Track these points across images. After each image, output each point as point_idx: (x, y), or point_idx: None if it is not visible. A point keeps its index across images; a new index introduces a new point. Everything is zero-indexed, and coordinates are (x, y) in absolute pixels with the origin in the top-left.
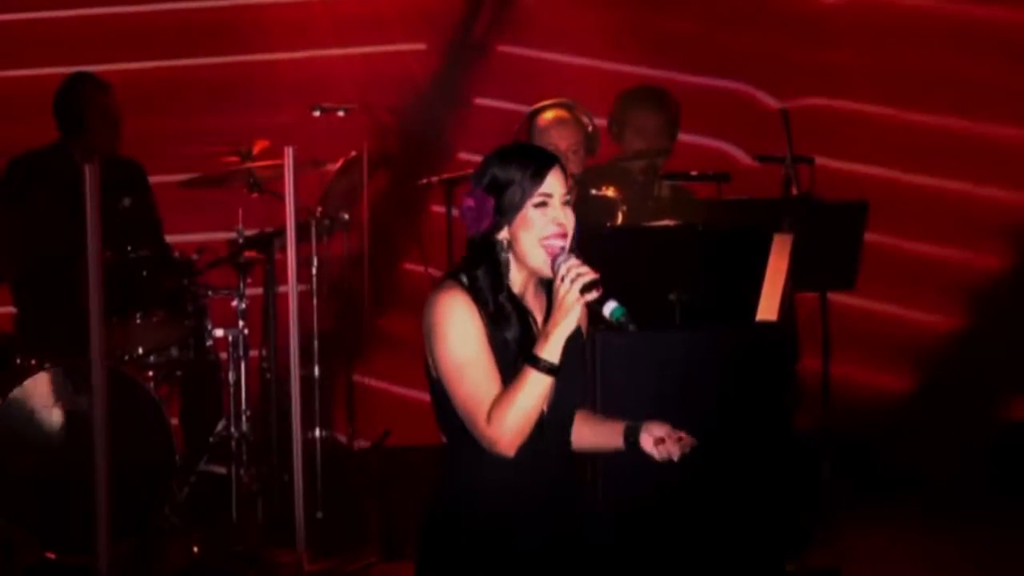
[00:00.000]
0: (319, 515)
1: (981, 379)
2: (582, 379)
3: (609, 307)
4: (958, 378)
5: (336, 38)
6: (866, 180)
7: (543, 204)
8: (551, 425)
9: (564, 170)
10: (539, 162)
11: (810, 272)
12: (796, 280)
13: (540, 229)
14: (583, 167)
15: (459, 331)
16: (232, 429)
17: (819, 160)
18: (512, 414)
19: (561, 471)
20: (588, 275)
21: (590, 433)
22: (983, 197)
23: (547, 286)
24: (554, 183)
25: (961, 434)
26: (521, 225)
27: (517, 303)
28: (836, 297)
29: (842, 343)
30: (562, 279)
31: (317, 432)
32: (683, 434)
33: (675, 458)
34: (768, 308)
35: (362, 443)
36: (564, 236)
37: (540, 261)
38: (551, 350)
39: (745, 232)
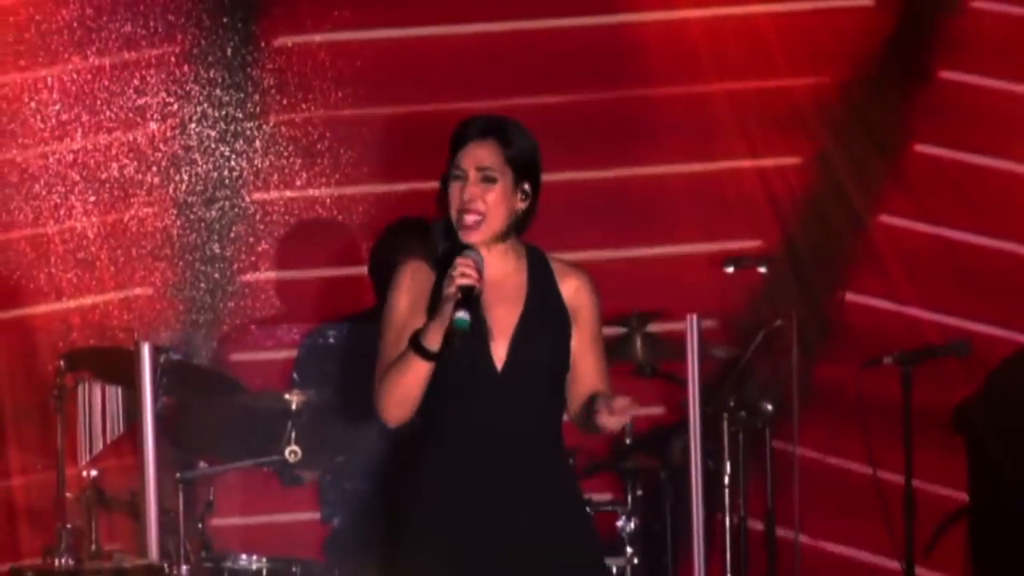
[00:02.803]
0: None
1: None
2: (554, 349)
3: (458, 314)
4: None
5: (719, 72)
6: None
7: (456, 178)
8: (507, 384)
9: (495, 146)
10: (457, 136)
11: None
12: None
13: (453, 206)
14: None
15: (393, 296)
16: None
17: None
18: (385, 384)
19: (525, 443)
20: (468, 279)
21: (581, 414)
22: None
23: (531, 255)
24: (465, 157)
25: None
26: (448, 200)
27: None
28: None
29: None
30: (449, 273)
31: None
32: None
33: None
34: None
35: None
36: (476, 214)
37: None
38: (428, 336)
39: None
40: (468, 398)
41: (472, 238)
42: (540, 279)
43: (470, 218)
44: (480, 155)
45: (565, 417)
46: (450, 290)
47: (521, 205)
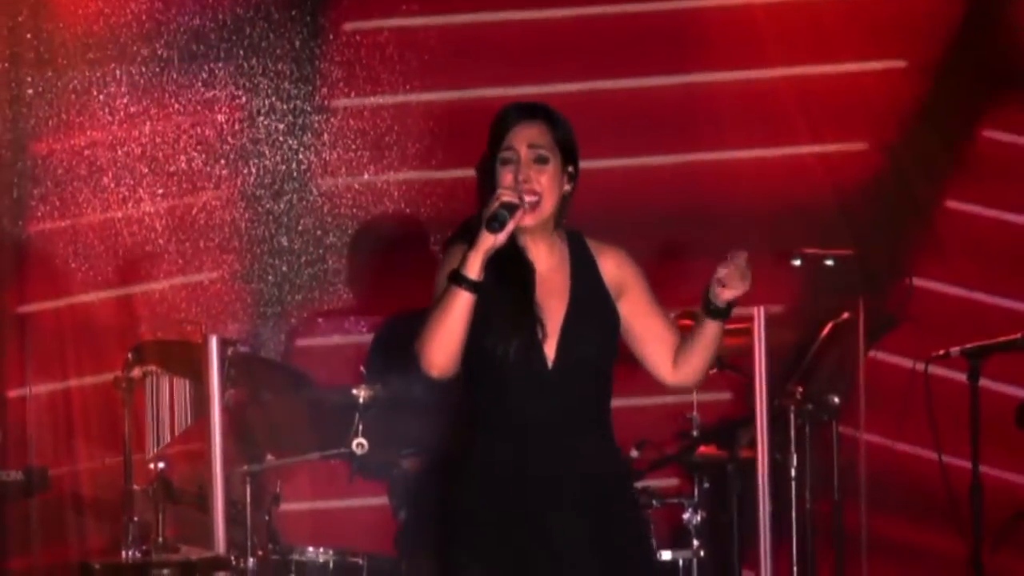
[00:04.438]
0: None
1: None
2: (601, 338)
3: (500, 210)
4: None
5: (783, 55)
6: None
7: (507, 161)
8: (557, 380)
9: (544, 126)
10: (501, 121)
11: None
12: None
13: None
14: None
15: (441, 274)
16: None
17: None
18: (428, 325)
19: (576, 432)
20: (510, 197)
21: (690, 350)
22: None
23: (573, 242)
24: (516, 137)
25: None
26: (498, 181)
27: (511, 249)
28: None
29: None
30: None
31: None
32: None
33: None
34: None
35: None
36: (532, 195)
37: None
38: (467, 264)
39: None
40: (520, 393)
41: (525, 221)
42: (582, 267)
43: (529, 199)
44: (531, 134)
45: (666, 377)
46: (492, 207)
47: (567, 188)
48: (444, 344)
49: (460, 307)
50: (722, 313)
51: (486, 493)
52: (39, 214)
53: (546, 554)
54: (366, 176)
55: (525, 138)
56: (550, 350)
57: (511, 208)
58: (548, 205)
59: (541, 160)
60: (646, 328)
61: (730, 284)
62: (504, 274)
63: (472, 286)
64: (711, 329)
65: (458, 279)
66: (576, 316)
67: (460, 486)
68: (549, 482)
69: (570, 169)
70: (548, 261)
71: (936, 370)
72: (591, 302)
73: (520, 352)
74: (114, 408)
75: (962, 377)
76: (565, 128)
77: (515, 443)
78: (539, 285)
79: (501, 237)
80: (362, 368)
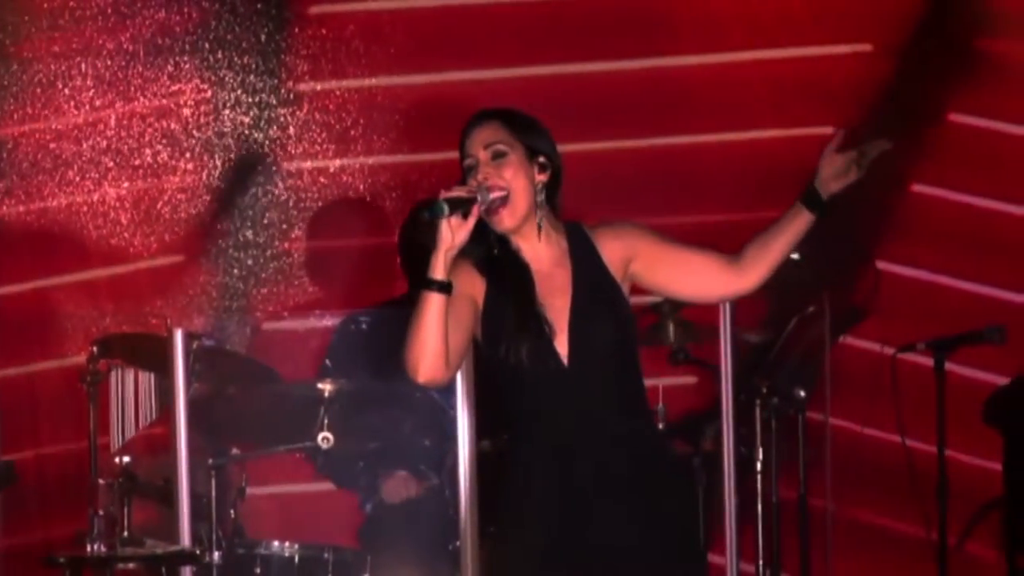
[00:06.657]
0: None
1: None
2: (613, 327)
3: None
4: None
5: (750, 38)
6: None
7: (469, 168)
8: (576, 375)
9: (498, 124)
10: (461, 134)
11: None
12: None
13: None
14: None
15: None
16: None
17: None
18: (408, 335)
19: (607, 421)
20: (455, 193)
21: (771, 240)
22: None
23: (572, 235)
24: (472, 143)
25: None
26: None
27: (507, 255)
28: None
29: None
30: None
31: None
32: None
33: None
34: None
35: None
36: (498, 190)
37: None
38: (431, 267)
39: None
40: (543, 395)
41: (505, 224)
42: (583, 258)
43: (493, 195)
44: (484, 135)
45: (729, 286)
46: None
47: (541, 177)
48: (423, 349)
49: (432, 310)
50: (822, 207)
51: (534, 500)
52: (3, 206)
53: (599, 548)
54: (332, 168)
55: (480, 141)
56: (562, 347)
57: (457, 203)
58: (520, 198)
59: (498, 155)
60: (675, 261)
61: (840, 173)
62: (503, 281)
63: (440, 287)
64: (803, 222)
65: (424, 282)
66: (582, 309)
67: (507, 499)
68: (593, 475)
69: (540, 160)
70: (547, 259)
71: (904, 355)
72: (596, 292)
73: (532, 354)
74: (77, 396)
75: (930, 363)
76: (523, 121)
77: (551, 446)
78: (541, 284)
79: (461, 236)
80: (327, 361)
